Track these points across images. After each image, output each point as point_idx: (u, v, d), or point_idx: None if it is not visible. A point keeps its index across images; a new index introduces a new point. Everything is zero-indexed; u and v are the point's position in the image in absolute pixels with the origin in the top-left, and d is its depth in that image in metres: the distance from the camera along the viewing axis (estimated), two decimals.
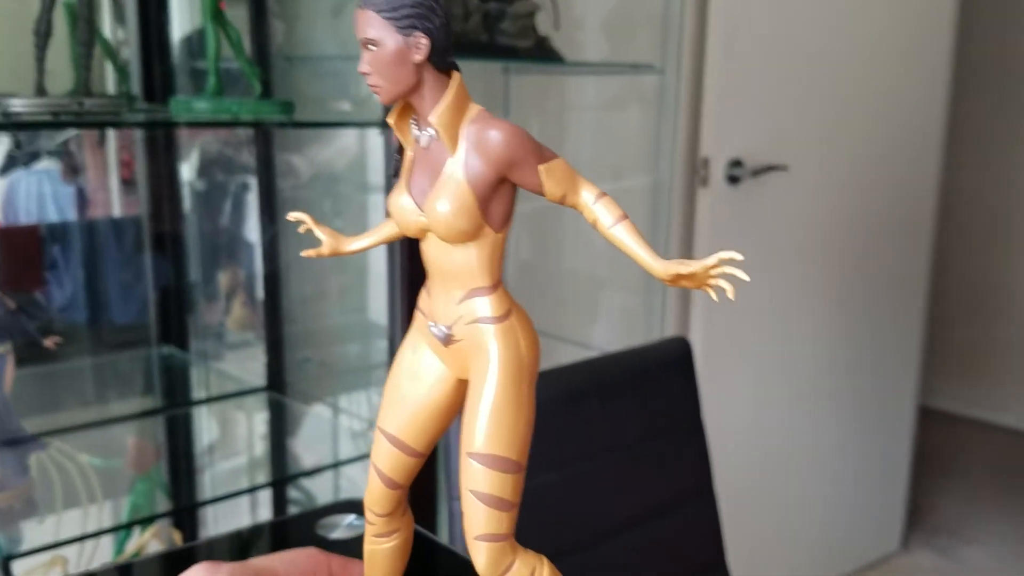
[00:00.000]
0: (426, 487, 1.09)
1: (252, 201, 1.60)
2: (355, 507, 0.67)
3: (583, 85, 1.86)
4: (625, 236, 0.37)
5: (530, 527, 0.86)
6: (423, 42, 0.36)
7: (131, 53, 1.51)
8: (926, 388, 2.78)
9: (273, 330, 1.55)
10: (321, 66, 1.54)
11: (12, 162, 1.50)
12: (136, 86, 1.49)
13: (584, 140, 1.92)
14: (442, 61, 0.37)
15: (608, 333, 1.99)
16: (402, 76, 0.36)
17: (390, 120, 0.39)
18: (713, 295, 0.37)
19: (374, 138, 1.25)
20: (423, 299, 0.40)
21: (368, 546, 0.42)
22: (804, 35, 2.04)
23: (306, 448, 1.55)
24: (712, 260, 0.36)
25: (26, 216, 1.50)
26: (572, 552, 0.90)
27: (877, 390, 2.49)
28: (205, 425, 1.57)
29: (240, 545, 0.73)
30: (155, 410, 1.53)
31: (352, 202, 1.65)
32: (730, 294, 0.36)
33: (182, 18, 1.55)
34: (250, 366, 1.60)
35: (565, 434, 0.92)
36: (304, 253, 0.42)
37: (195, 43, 1.52)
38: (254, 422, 1.60)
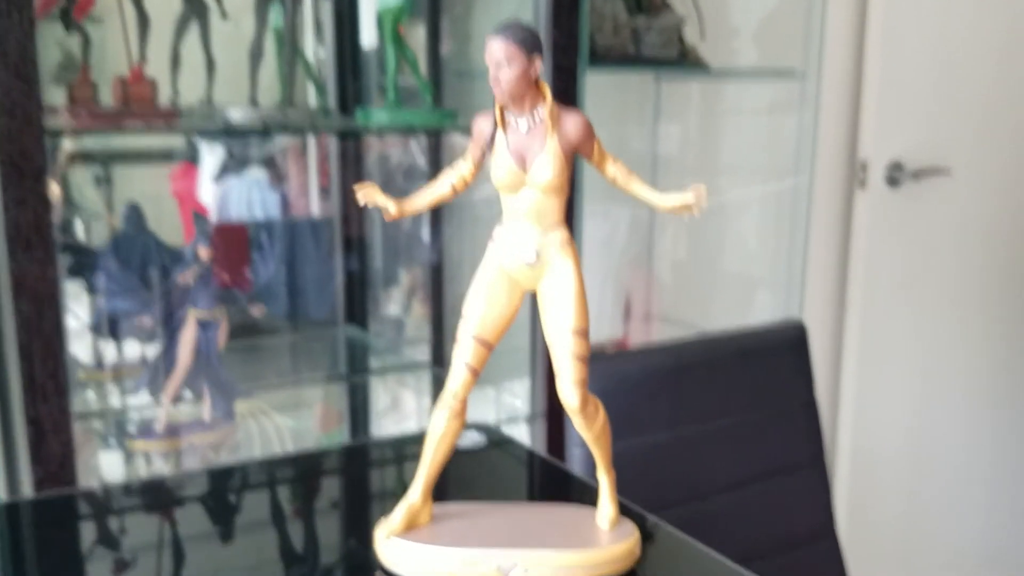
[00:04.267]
0: (556, 439, 1.25)
1: None
2: (477, 428, 0.87)
3: (731, 89, 1.94)
4: (639, 184, 0.54)
5: (642, 480, 0.98)
6: (538, 63, 0.53)
7: (328, 66, 1.72)
8: None
9: (436, 311, 1.74)
10: (484, 78, 1.71)
11: (225, 170, 1.74)
12: (332, 99, 1.71)
13: (731, 142, 2.00)
14: (537, 76, 0.54)
15: None
16: (523, 84, 0.53)
17: (497, 113, 0.54)
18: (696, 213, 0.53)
19: None
20: (504, 238, 0.54)
21: (446, 424, 0.57)
22: (966, 35, 2.02)
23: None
24: (692, 195, 0.53)
25: (237, 218, 1.73)
26: (678, 505, 1.00)
27: None
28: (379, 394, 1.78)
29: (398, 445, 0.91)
30: (339, 376, 1.75)
31: None
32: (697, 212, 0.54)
33: (372, 33, 1.74)
34: (419, 348, 1.80)
35: (677, 400, 1.03)
36: (387, 218, 0.58)
37: (381, 56, 1.72)
38: (420, 393, 1.79)
